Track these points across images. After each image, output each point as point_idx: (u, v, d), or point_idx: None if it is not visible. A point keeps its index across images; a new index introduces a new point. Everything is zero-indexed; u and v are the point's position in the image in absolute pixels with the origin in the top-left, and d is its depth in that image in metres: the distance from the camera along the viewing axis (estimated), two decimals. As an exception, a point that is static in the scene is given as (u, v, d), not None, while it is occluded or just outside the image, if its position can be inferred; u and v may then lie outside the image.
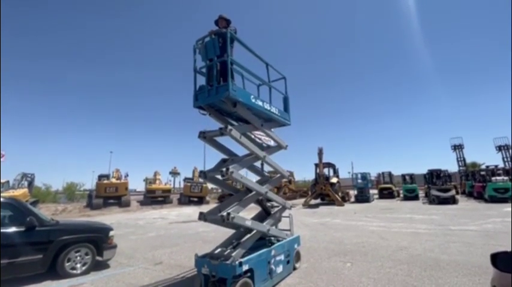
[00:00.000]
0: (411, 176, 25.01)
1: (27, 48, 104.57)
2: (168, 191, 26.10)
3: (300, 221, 11.49)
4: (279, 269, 4.27)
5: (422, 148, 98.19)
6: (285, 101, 5.13)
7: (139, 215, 17.16)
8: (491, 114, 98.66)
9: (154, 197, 24.79)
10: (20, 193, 16.78)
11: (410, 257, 5.50)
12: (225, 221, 3.52)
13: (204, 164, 34.94)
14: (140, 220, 14.33)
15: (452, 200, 17.23)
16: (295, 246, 4.97)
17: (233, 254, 3.51)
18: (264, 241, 4.61)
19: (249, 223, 3.92)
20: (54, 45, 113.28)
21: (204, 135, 4.05)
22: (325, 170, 22.07)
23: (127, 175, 24.79)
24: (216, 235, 8.29)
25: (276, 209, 4.94)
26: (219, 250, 3.96)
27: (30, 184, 20.47)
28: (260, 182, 4.62)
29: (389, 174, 27.84)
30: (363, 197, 21.75)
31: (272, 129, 4.87)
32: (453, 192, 17.92)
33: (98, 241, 5.30)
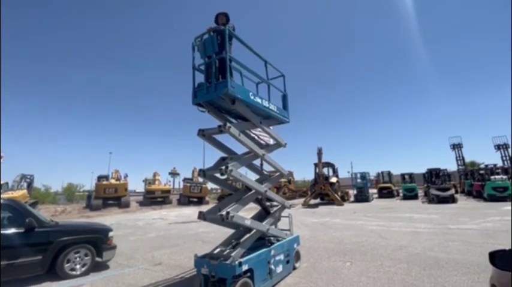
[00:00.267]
0: (410, 175, 25.08)
1: (27, 49, 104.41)
2: (168, 191, 26.08)
3: (300, 221, 11.49)
4: (279, 269, 4.27)
5: (422, 147, 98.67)
6: (284, 98, 5.14)
7: (138, 216, 17.14)
8: (490, 113, 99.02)
9: (153, 198, 24.77)
10: (19, 194, 16.76)
11: (410, 256, 5.51)
12: (224, 220, 3.52)
13: (204, 164, 34.93)
14: (140, 221, 14.31)
15: (451, 199, 17.28)
16: (295, 246, 4.97)
17: (232, 254, 3.51)
18: (263, 241, 4.61)
19: (248, 222, 3.92)
20: (54, 46, 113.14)
21: (203, 133, 4.05)
22: (325, 170, 22.10)
23: (126, 176, 24.79)
24: (216, 235, 8.29)
25: (275, 208, 4.94)
26: (218, 250, 3.96)
27: (30, 185, 20.45)
28: (259, 181, 4.62)
29: (389, 173, 27.89)
30: (362, 197, 21.77)
31: (271, 127, 4.87)
32: (452, 191, 17.97)
33: (97, 241, 5.29)
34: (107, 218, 16.16)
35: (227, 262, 3.37)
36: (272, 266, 4.07)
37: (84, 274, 4.98)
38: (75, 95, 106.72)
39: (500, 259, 1.64)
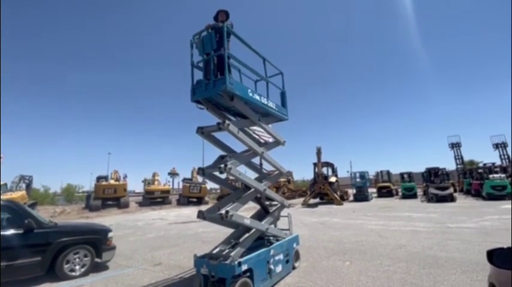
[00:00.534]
0: (409, 174, 25.13)
1: (26, 49, 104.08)
2: (167, 192, 26.07)
3: (299, 220, 11.50)
4: (278, 268, 4.28)
5: (421, 147, 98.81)
6: (283, 96, 5.14)
7: (138, 216, 17.12)
8: (489, 112, 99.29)
9: (153, 198, 24.75)
10: (18, 195, 16.71)
11: (409, 255, 5.52)
12: (223, 219, 3.52)
13: (203, 164, 34.77)
14: (139, 221, 14.29)
15: (450, 198, 17.31)
16: (294, 245, 4.97)
17: (232, 253, 3.51)
18: (263, 240, 4.62)
19: (247, 221, 3.92)
20: (53, 46, 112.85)
21: (202, 131, 4.06)
22: (324, 170, 22.10)
23: (125, 176, 24.77)
24: (216, 235, 8.29)
25: (274, 207, 4.94)
26: (217, 249, 3.96)
27: (29, 186, 20.42)
28: (259, 179, 4.62)
29: (388, 173, 27.91)
30: (361, 196, 21.79)
31: (270, 125, 4.87)
32: (451, 190, 18.02)
33: (96, 242, 5.28)
34: (106, 218, 16.13)
35: (226, 261, 3.38)
36: (271, 266, 4.07)
37: (84, 274, 4.97)
38: (74, 95, 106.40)
39: (498, 257, 1.65)
